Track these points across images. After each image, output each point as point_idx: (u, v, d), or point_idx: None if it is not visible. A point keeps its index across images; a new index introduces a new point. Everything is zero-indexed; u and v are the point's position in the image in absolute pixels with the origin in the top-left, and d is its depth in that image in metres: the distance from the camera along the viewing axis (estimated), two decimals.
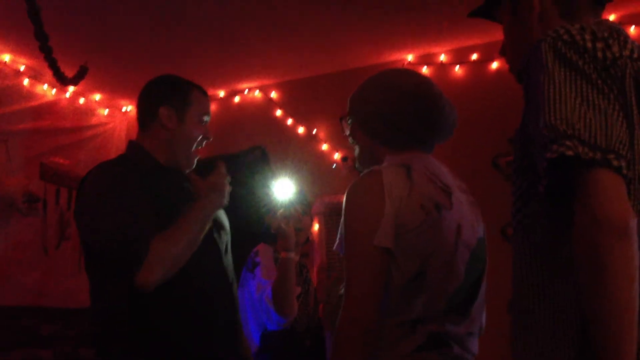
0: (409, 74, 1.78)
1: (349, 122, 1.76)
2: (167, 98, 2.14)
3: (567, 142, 1.12)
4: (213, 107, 4.99)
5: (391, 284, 1.49)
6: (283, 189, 2.48)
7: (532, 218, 1.29)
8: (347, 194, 1.57)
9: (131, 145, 2.19)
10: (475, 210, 1.66)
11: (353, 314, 1.47)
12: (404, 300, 1.49)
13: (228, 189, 2.04)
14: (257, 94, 5.05)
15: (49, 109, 4.76)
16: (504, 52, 1.55)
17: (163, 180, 2.07)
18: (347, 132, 1.78)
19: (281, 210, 2.45)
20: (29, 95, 4.57)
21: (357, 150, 1.77)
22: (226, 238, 2.21)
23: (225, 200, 2.03)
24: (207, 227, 1.97)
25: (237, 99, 5.10)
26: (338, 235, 1.62)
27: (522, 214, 1.32)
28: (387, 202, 1.49)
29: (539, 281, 1.27)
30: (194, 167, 2.18)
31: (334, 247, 1.67)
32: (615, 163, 1.11)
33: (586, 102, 1.15)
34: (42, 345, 4.35)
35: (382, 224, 1.47)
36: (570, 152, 1.11)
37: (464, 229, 1.55)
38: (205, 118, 2.18)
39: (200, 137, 2.15)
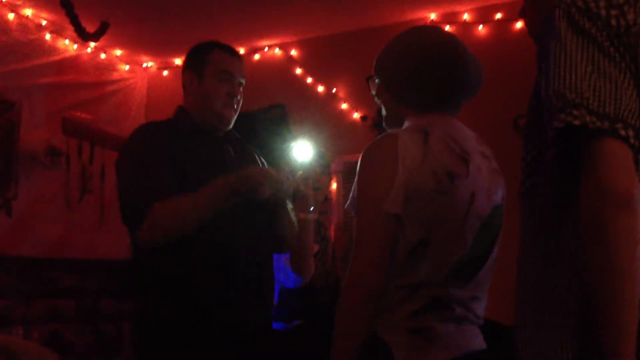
0: (432, 32, 1.76)
1: (376, 81, 1.75)
2: (188, 63, 2.30)
3: (575, 111, 1.11)
4: None
5: (396, 249, 1.49)
6: (302, 150, 2.48)
7: (540, 186, 1.29)
8: (362, 156, 1.57)
9: (177, 109, 2.31)
10: (496, 177, 1.63)
11: (359, 277, 1.48)
12: (407, 265, 1.50)
13: (269, 186, 2.08)
14: (277, 51, 5.02)
15: (71, 63, 4.77)
16: (523, 14, 1.53)
17: (195, 140, 2.18)
18: (374, 92, 1.77)
19: (300, 172, 2.46)
20: (51, 49, 4.58)
21: (383, 110, 1.76)
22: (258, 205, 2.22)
23: (259, 194, 2.06)
24: (222, 204, 2.02)
25: (257, 56, 5.07)
26: (350, 195, 1.63)
27: (531, 181, 1.32)
28: (400, 167, 1.48)
29: (544, 250, 1.28)
30: (231, 125, 2.27)
31: (346, 206, 1.69)
32: (622, 132, 1.10)
33: (597, 71, 1.14)
34: (63, 296, 4.45)
35: (394, 190, 1.47)
36: (577, 122, 1.11)
37: (478, 198, 1.53)
38: (225, 75, 2.22)
39: (224, 94, 2.20)
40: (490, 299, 1.67)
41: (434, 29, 1.78)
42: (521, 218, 1.37)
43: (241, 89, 2.27)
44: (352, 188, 1.61)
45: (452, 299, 1.52)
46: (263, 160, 2.44)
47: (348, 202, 1.66)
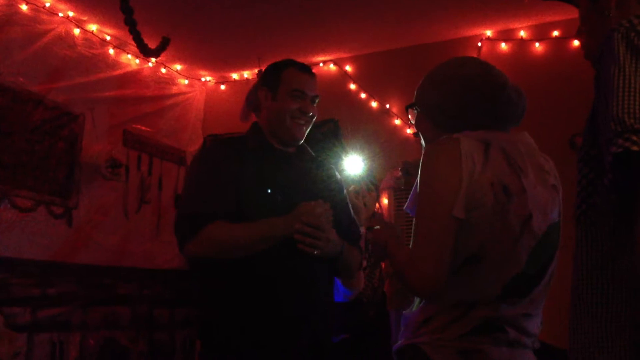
0: (473, 64, 1.70)
1: (415, 111, 1.74)
2: (264, 80, 2.37)
3: (634, 137, 1.10)
4: None
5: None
6: (353, 165, 2.50)
7: (595, 209, 1.28)
8: (424, 157, 1.54)
9: (252, 124, 2.40)
10: (554, 194, 1.57)
11: (420, 270, 1.46)
12: (457, 281, 1.47)
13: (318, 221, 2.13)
14: (332, 67, 5.07)
15: (133, 77, 4.92)
16: (579, 35, 1.51)
17: (265, 156, 2.27)
18: (413, 121, 1.76)
19: (353, 186, 2.48)
20: (114, 64, 4.73)
21: (422, 139, 1.74)
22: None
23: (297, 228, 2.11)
24: (270, 242, 2.10)
25: None
26: (410, 196, 1.61)
27: (586, 204, 1.30)
28: (464, 171, 1.46)
29: (599, 272, 1.26)
30: (302, 140, 2.34)
31: (405, 207, 1.66)
32: None
33: None
34: (120, 304, 4.55)
35: (460, 194, 1.44)
36: (635, 147, 1.10)
37: (535, 217, 1.48)
38: (298, 93, 2.29)
39: (294, 110, 2.27)
40: (544, 322, 1.63)
41: (472, 61, 1.74)
42: (576, 241, 1.35)
43: (314, 105, 2.34)
44: (412, 189, 1.60)
45: (504, 319, 1.49)
46: (339, 176, 2.48)
47: (407, 204, 1.64)
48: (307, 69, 2.36)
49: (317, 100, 2.34)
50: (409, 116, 1.79)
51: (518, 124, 1.66)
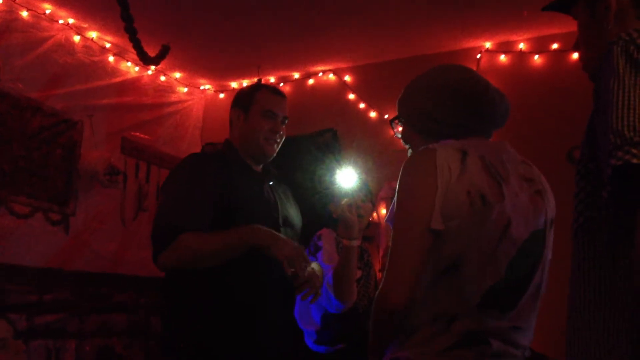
0: (457, 70, 1.73)
1: (400, 123, 1.77)
2: (236, 101, 2.50)
3: (633, 150, 1.10)
4: (287, 88, 5.07)
5: (428, 270, 1.47)
6: (347, 177, 2.51)
7: (593, 222, 1.28)
8: (402, 170, 1.56)
9: (225, 142, 2.50)
10: (537, 201, 1.57)
11: (388, 293, 1.47)
12: (436, 292, 1.47)
13: (293, 255, 2.12)
14: (331, 77, 5.08)
15: (132, 85, 4.92)
16: (577, 48, 1.52)
17: (240, 173, 2.34)
18: (399, 134, 1.78)
19: (345, 199, 2.49)
20: (114, 71, 4.74)
21: (409, 151, 1.75)
22: (292, 235, 2.39)
23: (278, 254, 2.11)
24: (243, 251, 2.12)
25: (311, 81, 5.14)
26: (391, 208, 1.62)
27: (584, 217, 1.30)
28: (440, 182, 1.46)
29: (597, 286, 1.26)
30: (272, 157, 2.45)
31: (385, 219, 1.68)
32: None
33: None
34: (116, 311, 4.54)
35: (436, 206, 1.45)
36: (635, 160, 1.10)
37: (514, 224, 1.48)
38: (269, 113, 2.40)
39: (267, 130, 2.38)
40: (539, 331, 1.63)
41: (452, 68, 1.76)
42: (573, 255, 1.35)
43: (283, 126, 2.46)
44: (392, 202, 1.61)
45: (488, 331, 1.47)
46: (291, 197, 2.58)
47: (388, 216, 1.65)
48: (278, 92, 2.50)
49: (286, 122, 2.47)
50: (394, 129, 1.81)
51: (502, 126, 1.67)
